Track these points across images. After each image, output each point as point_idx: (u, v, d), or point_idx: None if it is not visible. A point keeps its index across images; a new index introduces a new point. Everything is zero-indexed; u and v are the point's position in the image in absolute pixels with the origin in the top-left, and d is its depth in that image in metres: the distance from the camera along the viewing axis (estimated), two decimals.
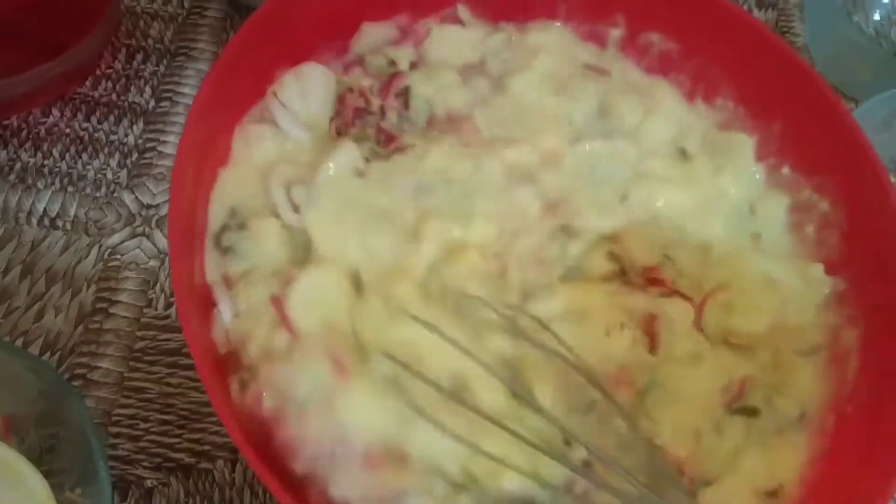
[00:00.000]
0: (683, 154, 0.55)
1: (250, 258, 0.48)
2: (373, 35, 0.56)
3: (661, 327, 0.49)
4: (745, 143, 0.55)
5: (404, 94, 0.55)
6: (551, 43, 0.57)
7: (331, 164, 0.50)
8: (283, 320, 0.45)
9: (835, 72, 0.73)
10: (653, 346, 0.49)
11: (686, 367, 0.48)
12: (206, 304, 0.47)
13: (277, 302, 0.46)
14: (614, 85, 0.57)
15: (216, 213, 0.49)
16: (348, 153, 0.50)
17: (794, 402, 0.49)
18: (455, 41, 0.57)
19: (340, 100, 0.54)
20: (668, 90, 0.58)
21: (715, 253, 0.52)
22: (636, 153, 0.54)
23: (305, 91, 0.53)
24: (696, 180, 0.54)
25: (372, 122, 0.54)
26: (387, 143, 0.53)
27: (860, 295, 0.51)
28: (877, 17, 0.78)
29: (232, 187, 0.50)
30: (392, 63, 0.56)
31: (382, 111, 0.54)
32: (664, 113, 0.56)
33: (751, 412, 0.48)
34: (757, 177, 0.55)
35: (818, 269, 0.52)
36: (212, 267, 0.48)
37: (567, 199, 0.52)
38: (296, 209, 0.49)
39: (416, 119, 0.54)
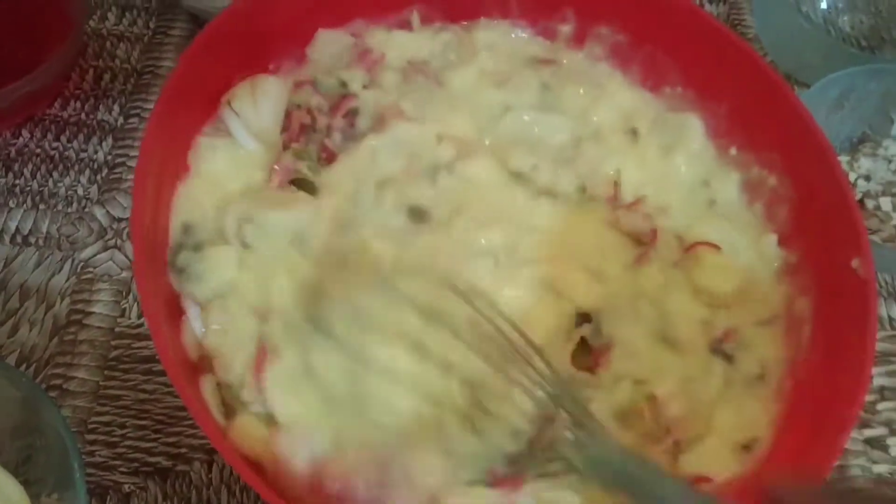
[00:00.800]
0: (635, 134, 0.58)
1: (209, 283, 0.49)
2: (328, 42, 0.58)
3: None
4: (694, 124, 0.57)
5: (352, 115, 0.56)
6: (497, 39, 0.60)
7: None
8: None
9: (786, 60, 0.75)
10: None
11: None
12: (174, 309, 0.48)
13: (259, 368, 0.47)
14: (562, 73, 0.59)
15: (174, 228, 0.50)
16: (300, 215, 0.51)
17: (756, 361, 0.50)
18: (403, 46, 0.59)
19: (288, 115, 0.55)
20: (619, 78, 0.60)
21: (674, 216, 0.55)
22: (573, 127, 0.57)
23: (258, 102, 0.54)
24: (646, 160, 0.57)
25: (316, 139, 0.55)
26: (328, 161, 0.54)
27: (811, 266, 0.52)
28: (824, 5, 0.81)
29: (185, 201, 0.51)
30: (343, 84, 0.57)
31: (329, 130, 0.55)
32: (612, 100, 0.59)
33: (729, 358, 0.50)
34: (708, 154, 0.57)
35: (771, 240, 0.54)
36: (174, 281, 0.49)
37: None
38: (244, 245, 0.50)
39: (358, 134, 0.56)
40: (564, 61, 0.60)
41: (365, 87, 0.57)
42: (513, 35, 0.61)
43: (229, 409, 0.46)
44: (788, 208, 0.54)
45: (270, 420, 0.46)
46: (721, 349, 0.50)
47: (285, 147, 0.53)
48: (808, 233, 0.52)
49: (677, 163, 0.57)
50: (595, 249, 0.53)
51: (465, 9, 0.60)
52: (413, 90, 0.57)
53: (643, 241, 0.54)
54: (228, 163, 0.52)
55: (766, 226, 0.55)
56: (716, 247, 0.53)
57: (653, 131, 0.58)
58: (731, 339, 0.51)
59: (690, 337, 0.50)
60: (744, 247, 0.54)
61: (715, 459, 0.46)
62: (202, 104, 0.53)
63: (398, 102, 0.55)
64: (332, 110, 0.56)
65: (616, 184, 0.56)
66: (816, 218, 0.52)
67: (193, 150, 0.52)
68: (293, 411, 0.46)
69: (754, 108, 0.56)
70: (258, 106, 0.54)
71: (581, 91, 0.58)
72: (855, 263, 0.47)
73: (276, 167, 0.52)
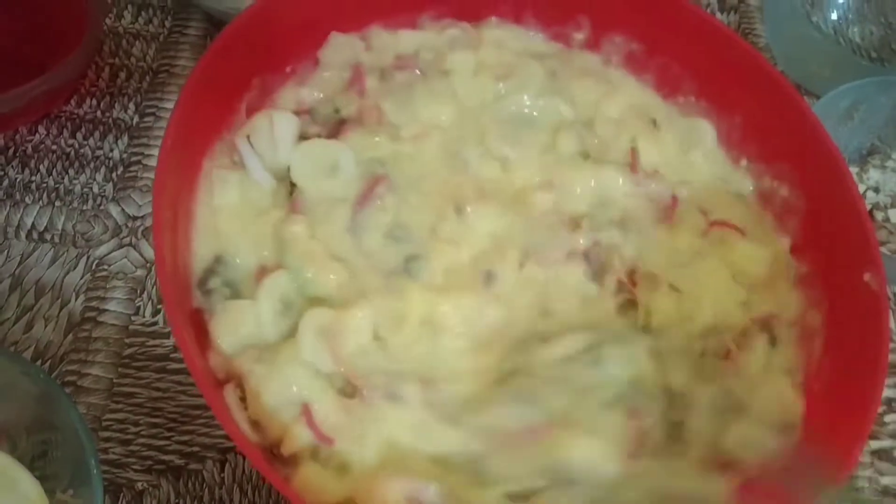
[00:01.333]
0: (654, 123, 0.59)
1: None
2: (339, 46, 0.58)
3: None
4: (705, 127, 0.58)
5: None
6: (506, 37, 0.60)
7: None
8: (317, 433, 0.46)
9: (796, 70, 0.76)
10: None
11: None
12: (199, 328, 0.49)
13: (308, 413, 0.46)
14: (572, 65, 0.60)
15: (200, 255, 0.50)
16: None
17: (790, 354, 0.52)
18: (401, 44, 0.59)
19: None
20: (632, 81, 0.61)
21: (696, 193, 0.56)
22: (579, 112, 0.58)
23: (275, 136, 0.54)
24: (665, 147, 0.57)
25: None
26: None
27: (822, 279, 0.53)
28: (834, 16, 0.81)
29: (210, 232, 0.51)
30: (337, 111, 0.57)
31: None
32: (624, 96, 0.59)
33: (773, 339, 0.52)
34: (721, 159, 0.59)
35: (784, 243, 0.55)
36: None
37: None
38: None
39: None
40: (575, 60, 0.61)
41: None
42: (524, 36, 0.61)
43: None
44: (799, 220, 0.55)
45: (342, 469, 0.45)
46: (769, 327, 0.52)
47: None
48: (820, 245, 0.53)
49: (696, 157, 0.58)
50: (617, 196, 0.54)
51: (478, 12, 0.61)
52: (392, 88, 0.57)
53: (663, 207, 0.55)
54: (244, 197, 0.52)
55: (778, 233, 0.56)
56: (740, 231, 0.54)
57: (669, 126, 0.59)
58: (776, 323, 0.52)
59: (726, 308, 0.52)
60: (764, 243, 0.55)
61: (757, 434, 0.47)
62: (219, 109, 0.53)
63: (378, 103, 0.55)
64: (329, 138, 0.55)
65: (634, 150, 0.56)
66: (828, 230, 0.53)
67: (209, 177, 0.52)
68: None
69: (767, 120, 0.56)
70: (275, 140, 0.53)
71: (591, 83, 0.59)
72: (867, 277, 0.48)
73: (294, 199, 0.52)
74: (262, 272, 0.50)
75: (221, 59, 0.51)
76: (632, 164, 0.56)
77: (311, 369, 0.47)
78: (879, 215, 0.67)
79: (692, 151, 0.58)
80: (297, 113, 0.55)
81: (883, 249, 0.66)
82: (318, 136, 0.54)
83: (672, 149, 0.58)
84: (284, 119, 0.54)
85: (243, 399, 0.47)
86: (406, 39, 0.59)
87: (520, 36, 0.61)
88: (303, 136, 0.54)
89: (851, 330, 0.48)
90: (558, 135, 0.56)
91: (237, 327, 0.48)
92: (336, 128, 0.55)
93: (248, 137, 0.53)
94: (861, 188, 0.68)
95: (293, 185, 0.52)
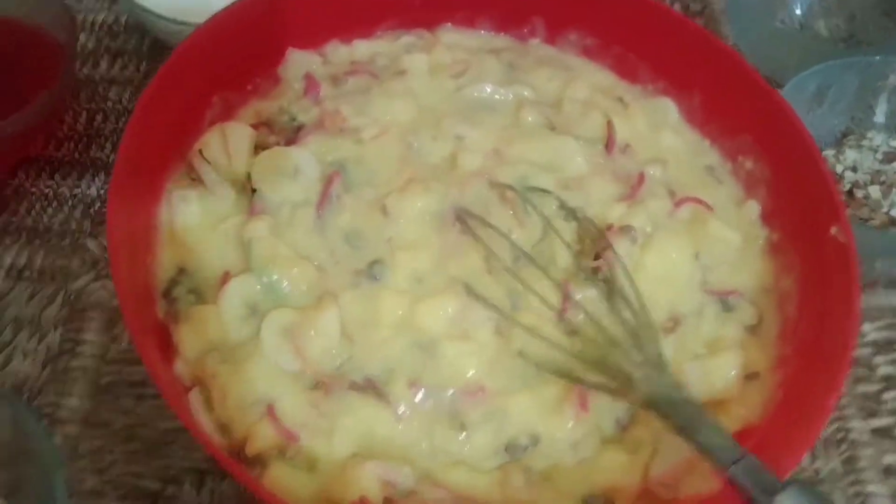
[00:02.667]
0: (622, 101, 0.59)
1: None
2: (298, 62, 0.59)
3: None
4: (669, 106, 0.59)
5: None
6: (461, 39, 0.61)
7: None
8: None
9: (765, 64, 0.75)
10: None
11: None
12: (166, 337, 0.49)
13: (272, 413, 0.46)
14: (529, 56, 0.60)
15: (165, 267, 0.51)
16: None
17: (756, 314, 0.52)
18: (355, 53, 0.61)
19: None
20: (589, 64, 0.61)
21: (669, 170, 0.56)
22: (538, 98, 0.58)
23: (230, 148, 0.54)
24: (636, 125, 0.57)
25: None
26: None
27: (793, 242, 0.52)
28: (798, 12, 0.82)
29: (169, 247, 0.52)
30: (293, 118, 0.57)
31: None
32: (588, 80, 0.60)
33: (728, 307, 0.52)
34: (688, 135, 0.59)
35: (752, 207, 0.54)
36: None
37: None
38: None
39: None
40: (532, 51, 0.61)
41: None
42: (478, 35, 0.62)
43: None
44: (767, 188, 0.54)
45: (311, 465, 0.45)
46: (726, 301, 0.52)
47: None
48: (788, 209, 0.53)
49: (666, 134, 0.58)
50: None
51: (433, 21, 0.62)
52: (347, 92, 0.57)
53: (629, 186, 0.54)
54: (205, 210, 0.53)
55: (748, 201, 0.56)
56: (708, 207, 0.54)
57: (637, 105, 0.59)
58: (735, 296, 0.52)
59: (684, 279, 0.51)
60: (733, 216, 0.55)
61: (718, 376, 0.48)
62: (177, 130, 0.54)
63: (338, 108, 0.56)
64: (287, 145, 0.55)
65: (610, 123, 0.56)
66: (793, 193, 0.52)
67: (169, 196, 0.53)
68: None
69: (725, 95, 0.57)
70: (230, 152, 0.54)
71: (551, 71, 0.59)
72: (834, 231, 0.47)
73: (254, 203, 0.52)
74: (227, 277, 0.50)
75: (169, 88, 0.52)
76: (608, 137, 0.56)
77: (275, 369, 0.47)
78: (860, 193, 0.66)
79: (662, 128, 0.58)
80: (255, 126, 0.56)
81: (868, 225, 0.65)
82: (278, 144, 0.55)
83: (642, 125, 0.58)
84: (237, 130, 0.54)
85: (210, 403, 0.47)
86: (361, 48, 0.60)
87: (474, 35, 0.62)
88: (262, 147, 0.55)
89: (824, 283, 0.48)
90: (521, 110, 0.56)
91: (202, 332, 0.48)
92: (294, 134, 0.56)
93: (200, 152, 0.54)
94: (839, 169, 0.68)
95: (254, 191, 0.53)
